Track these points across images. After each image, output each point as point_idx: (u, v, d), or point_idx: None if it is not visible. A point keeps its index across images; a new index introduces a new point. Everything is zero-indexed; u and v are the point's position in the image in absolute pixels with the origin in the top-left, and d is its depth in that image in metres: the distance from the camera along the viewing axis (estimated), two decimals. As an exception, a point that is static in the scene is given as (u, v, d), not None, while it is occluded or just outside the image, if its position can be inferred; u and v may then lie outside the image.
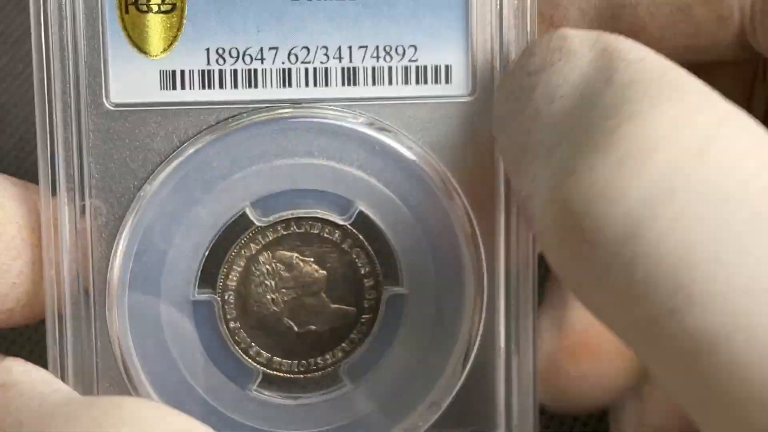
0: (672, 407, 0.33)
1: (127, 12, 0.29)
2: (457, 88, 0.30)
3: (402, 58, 0.30)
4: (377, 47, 0.30)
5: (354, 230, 0.30)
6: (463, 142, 0.30)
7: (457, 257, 0.30)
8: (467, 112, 0.30)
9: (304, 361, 0.31)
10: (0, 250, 0.28)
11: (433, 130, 0.30)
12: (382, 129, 0.30)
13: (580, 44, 0.26)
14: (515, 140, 0.27)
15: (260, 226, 0.30)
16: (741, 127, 0.23)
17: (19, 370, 0.27)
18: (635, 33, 0.30)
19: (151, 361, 0.30)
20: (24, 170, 0.46)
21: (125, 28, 0.29)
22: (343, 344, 0.30)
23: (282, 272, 0.30)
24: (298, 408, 0.31)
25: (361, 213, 0.30)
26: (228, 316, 0.30)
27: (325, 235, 0.30)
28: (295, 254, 0.30)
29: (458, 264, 0.30)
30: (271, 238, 0.30)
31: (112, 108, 0.29)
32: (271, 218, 0.30)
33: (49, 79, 0.29)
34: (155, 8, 0.29)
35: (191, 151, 0.29)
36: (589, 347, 0.33)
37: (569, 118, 0.25)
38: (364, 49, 0.30)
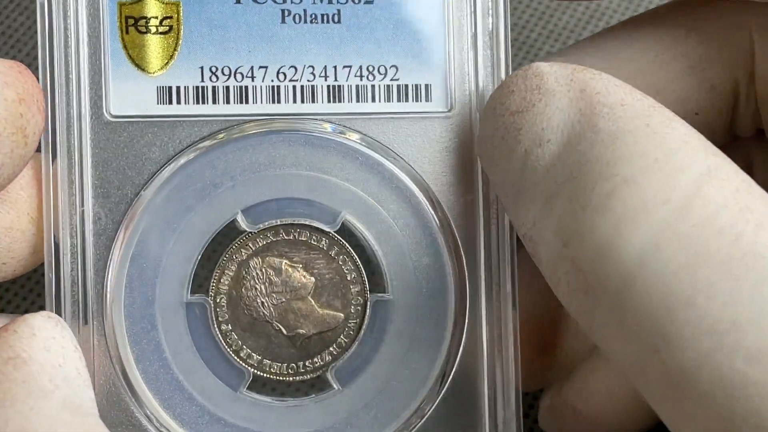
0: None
1: (127, 33, 0.31)
2: (437, 105, 0.32)
3: (384, 78, 0.31)
4: (360, 67, 0.31)
5: (340, 238, 0.32)
6: (443, 155, 0.32)
7: (439, 265, 0.32)
8: (446, 127, 0.32)
9: (293, 364, 0.32)
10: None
11: (414, 144, 0.32)
12: (366, 143, 0.31)
13: (556, 83, 0.28)
14: (508, 179, 0.28)
15: (250, 233, 0.32)
16: (721, 182, 0.25)
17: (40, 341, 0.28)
18: None
19: (146, 361, 0.31)
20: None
21: (125, 47, 0.31)
22: (331, 348, 0.32)
23: (271, 277, 0.32)
24: (288, 410, 0.32)
25: (346, 222, 0.32)
26: (220, 319, 0.32)
27: (313, 242, 0.32)
28: (284, 260, 0.32)
29: (441, 272, 0.32)
30: (260, 244, 0.32)
31: (111, 119, 0.31)
32: (261, 225, 0.32)
33: (53, 91, 0.30)
34: (153, 29, 0.31)
35: (185, 160, 0.31)
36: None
37: (562, 167, 0.26)
38: (348, 68, 0.31)
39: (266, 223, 0.32)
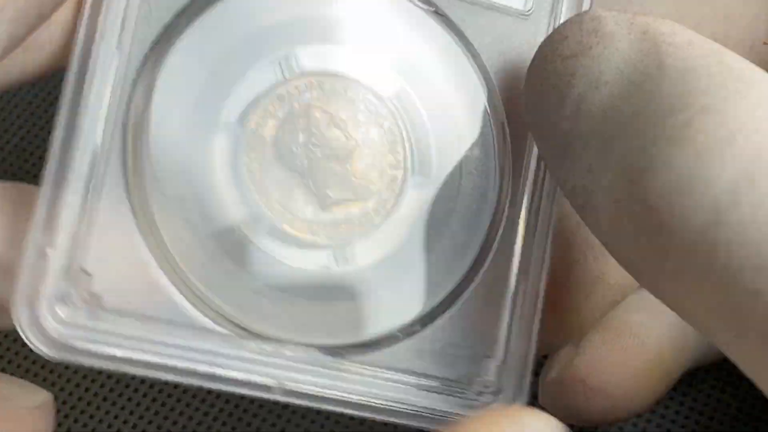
0: None
1: None
2: (517, 2, 0.31)
3: None
4: None
5: (395, 106, 0.30)
6: (512, 56, 0.31)
7: (485, 167, 0.30)
8: (519, 28, 0.31)
9: (314, 224, 0.30)
10: None
11: (484, 36, 0.30)
12: (446, 20, 0.30)
13: (616, 25, 0.26)
14: (559, 128, 0.27)
15: (301, 76, 0.29)
16: None
17: None
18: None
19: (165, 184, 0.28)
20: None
21: None
22: (357, 221, 0.30)
23: (313, 129, 0.29)
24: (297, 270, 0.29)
25: (403, 91, 0.30)
26: (250, 154, 0.29)
27: (365, 105, 0.30)
28: (330, 115, 0.30)
29: (486, 173, 0.30)
30: (311, 92, 0.29)
31: None
32: (314, 79, 0.29)
33: None
34: None
35: None
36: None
37: (624, 107, 0.25)
38: None
39: (316, 79, 0.29)
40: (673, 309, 0.25)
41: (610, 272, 0.32)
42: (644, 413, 0.37)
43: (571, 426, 0.26)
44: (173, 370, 0.27)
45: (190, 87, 0.28)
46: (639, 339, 0.34)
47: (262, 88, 0.29)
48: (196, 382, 0.28)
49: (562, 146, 0.26)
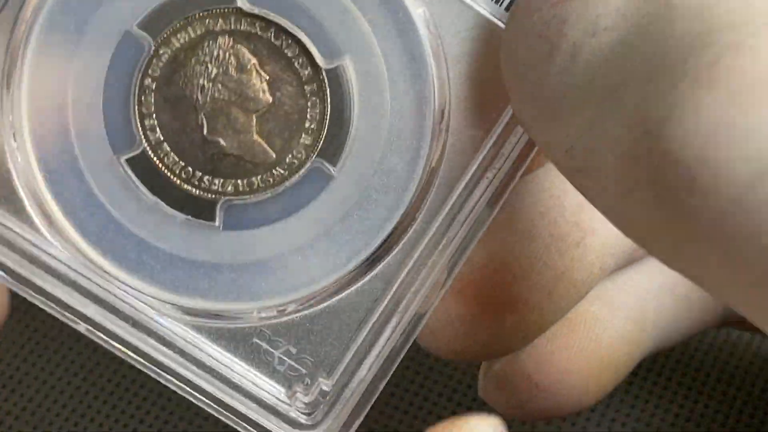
0: None
1: None
2: None
3: None
4: None
5: (326, 80, 0.26)
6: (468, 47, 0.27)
7: (411, 167, 0.27)
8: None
9: (190, 169, 0.26)
10: None
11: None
12: None
13: None
14: (548, 84, 0.23)
15: (242, 9, 0.26)
16: None
17: None
18: None
19: None
20: None
21: None
22: (239, 181, 0.26)
23: (230, 66, 0.26)
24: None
25: (341, 68, 0.26)
26: (149, 71, 0.26)
27: (296, 65, 0.26)
28: (255, 60, 0.26)
29: (409, 172, 0.27)
30: (242, 28, 0.26)
31: None
32: (258, 10, 0.26)
33: None
34: None
35: None
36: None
37: (630, 52, 0.22)
38: None
39: (265, 12, 0.26)
40: (689, 277, 0.21)
41: (575, 268, 0.29)
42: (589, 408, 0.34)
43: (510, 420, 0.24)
44: None
45: None
46: (593, 334, 0.32)
47: None
48: None
49: (551, 104, 0.23)
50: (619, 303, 0.29)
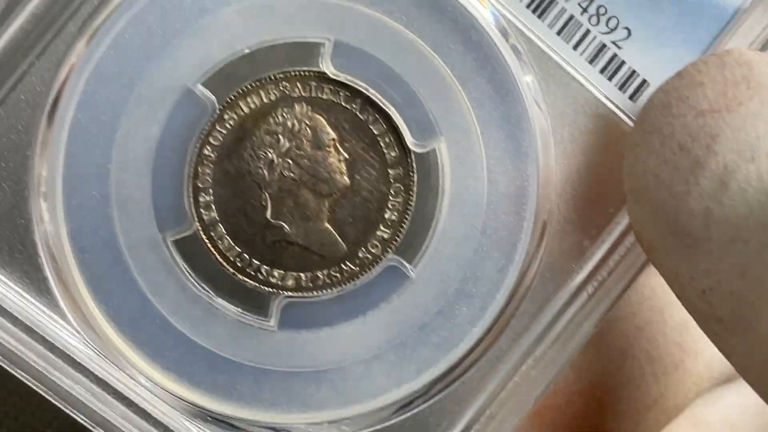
0: None
1: None
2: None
3: None
4: None
5: (413, 164, 0.22)
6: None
7: (502, 273, 0.23)
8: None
9: (246, 257, 0.22)
10: None
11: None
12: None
13: None
14: (686, 208, 0.20)
15: (325, 75, 0.22)
16: None
17: None
18: None
19: None
20: None
21: None
22: (295, 276, 0.22)
23: (305, 141, 0.22)
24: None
25: (435, 153, 0.22)
26: (211, 140, 0.22)
27: (381, 145, 0.22)
28: (335, 135, 0.22)
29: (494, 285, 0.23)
30: (323, 96, 0.22)
31: None
32: (344, 77, 0.22)
33: None
34: None
35: None
36: None
37: None
38: None
39: (347, 77, 0.22)
40: None
41: (670, 394, 0.26)
42: None
43: None
44: None
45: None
46: None
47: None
48: None
49: (688, 232, 0.20)
50: (709, 424, 0.26)
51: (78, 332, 0.22)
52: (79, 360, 0.22)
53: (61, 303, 0.22)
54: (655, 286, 0.26)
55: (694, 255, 0.20)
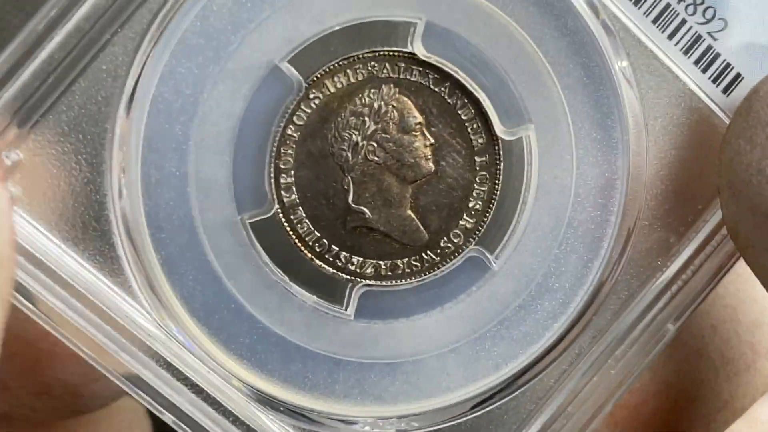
0: None
1: None
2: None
3: None
4: None
5: (501, 152, 0.21)
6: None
7: (587, 267, 0.22)
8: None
9: (325, 243, 0.21)
10: None
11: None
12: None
13: None
14: None
15: (415, 56, 0.21)
16: None
17: None
18: None
19: None
20: None
21: None
22: (374, 264, 0.22)
23: (391, 124, 0.21)
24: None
25: (524, 140, 0.21)
26: (296, 120, 0.21)
27: (468, 131, 0.21)
28: (422, 119, 0.21)
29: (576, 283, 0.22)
30: (412, 78, 0.21)
31: None
32: (434, 59, 0.21)
33: None
34: None
35: None
36: None
37: None
38: None
39: (438, 60, 0.21)
40: None
41: (740, 395, 0.26)
42: None
43: None
44: None
45: None
46: None
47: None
48: None
49: None
50: (763, 423, 0.25)
51: (150, 314, 0.21)
52: (149, 344, 0.21)
53: (134, 284, 0.21)
54: (727, 284, 0.26)
55: None
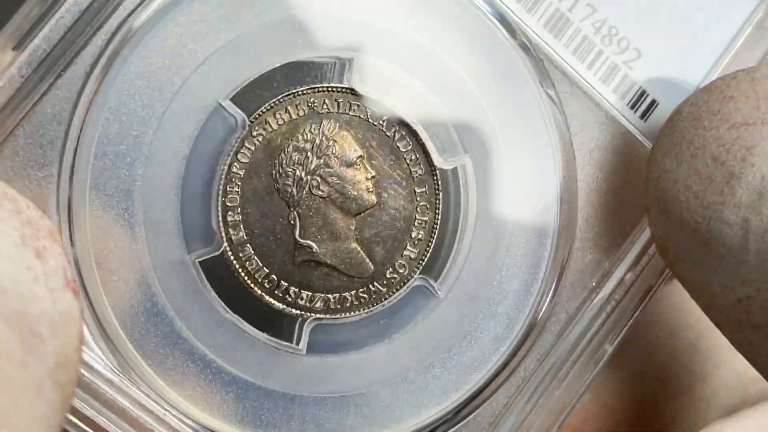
0: None
1: None
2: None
3: None
4: None
5: (439, 182, 0.22)
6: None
7: (526, 292, 0.23)
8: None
9: (274, 279, 0.22)
10: None
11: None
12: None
13: None
14: (721, 218, 0.20)
15: (355, 91, 0.22)
16: None
17: None
18: None
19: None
20: None
21: None
22: (324, 297, 0.22)
23: (333, 158, 0.22)
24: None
25: (459, 170, 0.22)
26: (240, 158, 0.21)
27: (407, 162, 0.22)
28: (363, 152, 0.22)
29: (519, 304, 0.23)
30: (351, 112, 0.22)
31: None
32: (371, 93, 0.22)
33: None
34: None
35: None
36: None
37: None
38: None
39: (375, 98, 0.22)
40: None
41: (682, 418, 0.26)
42: None
43: None
44: None
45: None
46: None
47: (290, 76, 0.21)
48: None
49: (723, 242, 0.20)
50: None
51: (102, 359, 0.21)
52: (103, 389, 0.21)
53: (86, 328, 0.21)
54: (662, 310, 0.26)
55: (728, 265, 0.20)
